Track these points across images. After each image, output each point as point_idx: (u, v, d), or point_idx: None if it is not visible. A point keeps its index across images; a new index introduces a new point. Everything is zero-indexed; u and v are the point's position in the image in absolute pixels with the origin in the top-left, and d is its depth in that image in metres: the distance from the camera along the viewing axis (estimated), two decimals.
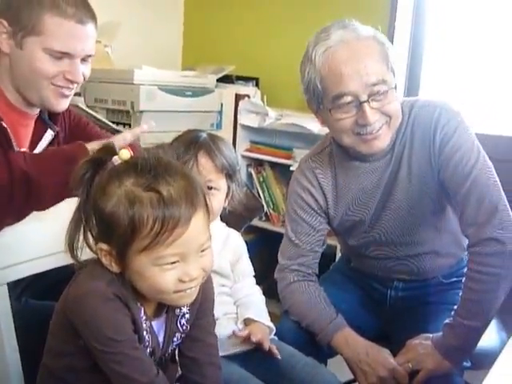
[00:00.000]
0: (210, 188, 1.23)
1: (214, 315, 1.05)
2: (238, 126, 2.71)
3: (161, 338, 0.95)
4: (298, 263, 1.39)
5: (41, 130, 1.38)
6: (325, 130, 2.29)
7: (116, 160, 0.86)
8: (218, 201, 1.27)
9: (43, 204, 1.12)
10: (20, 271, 1.09)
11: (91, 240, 0.88)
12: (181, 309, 0.97)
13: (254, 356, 1.23)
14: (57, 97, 1.31)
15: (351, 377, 1.43)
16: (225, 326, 1.25)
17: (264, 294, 1.42)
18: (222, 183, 1.27)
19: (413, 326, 1.36)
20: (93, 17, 1.30)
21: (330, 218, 1.40)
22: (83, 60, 1.31)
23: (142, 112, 2.32)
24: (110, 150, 0.87)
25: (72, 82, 1.30)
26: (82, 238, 0.88)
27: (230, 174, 1.29)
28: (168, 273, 0.83)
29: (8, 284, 1.07)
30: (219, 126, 2.74)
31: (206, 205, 0.87)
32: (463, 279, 1.43)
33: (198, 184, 0.87)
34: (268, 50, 2.92)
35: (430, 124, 1.26)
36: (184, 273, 0.83)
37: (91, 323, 0.83)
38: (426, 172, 1.28)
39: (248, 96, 2.73)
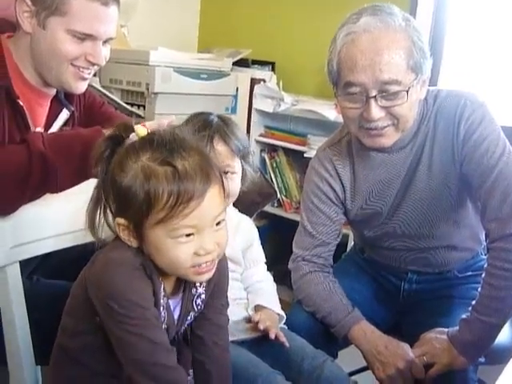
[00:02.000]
0: (226, 172, 1.22)
1: (227, 297, 1.05)
2: (253, 111, 2.68)
3: (176, 316, 0.96)
4: (313, 254, 1.37)
5: (56, 109, 1.37)
6: (340, 118, 2.30)
7: (133, 137, 0.87)
8: (236, 184, 1.27)
9: (58, 186, 1.11)
10: (32, 250, 1.09)
11: (110, 217, 0.89)
12: (197, 288, 0.97)
13: (262, 344, 1.22)
14: (76, 79, 1.30)
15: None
16: (234, 311, 1.23)
17: (275, 280, 1.41)
18: (237, 166, 1.27)
19: (426, 319, 1.35)
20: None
21: (346, 208, 1.38)
22: (104, 42, 1.30)
23: (156, 94, 2.30)
24: (128, 128, 0.88)
25: (93, 64, 1.29)
26: (101, 216, 0.90)
27: (244, 156, 1.29)
28: (184, 246, 0.84)
29: (20, 262, 1.07)
30: (234, 110, 2.71)
31: (222, 180, 0.88)
32: (479, 273, 1.42)
33: (213, 159, 0.88)
34: (285, 35, 2.88)
35: (455, 115, 1.22)
36: (199, 246, 0.85)
37: (116, 287, 0.84)
38: (447, 164, 1.25)
39: (264, 80, 2.70)
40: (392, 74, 1.13)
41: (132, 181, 0.83)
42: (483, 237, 1.42)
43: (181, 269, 0.87)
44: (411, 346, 1.27)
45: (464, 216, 1.34)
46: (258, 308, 1.27)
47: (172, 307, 0.94)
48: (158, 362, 0.85)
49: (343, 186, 1.36)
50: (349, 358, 1.49)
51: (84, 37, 1.25)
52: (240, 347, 1.17)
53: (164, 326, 0.91)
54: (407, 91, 1.15)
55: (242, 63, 2.77)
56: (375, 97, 1.15)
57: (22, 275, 1.08)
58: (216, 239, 0.87)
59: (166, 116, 2.33)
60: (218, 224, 0.87)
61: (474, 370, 1.23)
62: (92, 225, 0.89)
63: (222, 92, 2.62)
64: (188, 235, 0.84)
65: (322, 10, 2.72)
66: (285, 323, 1.32)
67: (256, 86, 2.65)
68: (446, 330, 1.25)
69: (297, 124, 2.63)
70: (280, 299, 1.35)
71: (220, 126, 1.26)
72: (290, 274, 1.43)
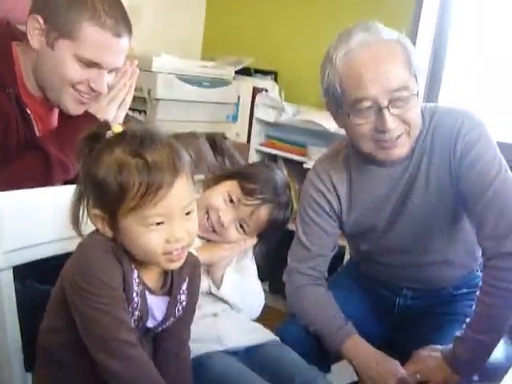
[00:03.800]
0: (241, 226, 1.30)
1: (194, 312, 1.07)
2: (254, 120, 2.68)
3: (159, 317, 0.98)
4: (308, 266, 1.37)
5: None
6: (341, 130, 2.32)
7: (109, 134, 0.92)
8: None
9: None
10: (26, 256, 1.09)
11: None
12: (181, 296, 1.01)
13: (254, 355, 1.22)
14: (75, 102, 1.31)
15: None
16: (223, 321, 1.25)
17: (269, 290, 1.41)
18: None
19: (420, 335, 1.34)
20: (129, 31, 1.30)
21: (342, 221, 1.37)
22: (110, 71, 1.30)
23: (158, 100, 2.32)
24: (105, 126, 0.94)
25: (94, 90, 1.29)
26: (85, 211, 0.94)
27: None
28: (155, 233, 0.88)
29: (13, 268, 1.06)
30: (235, 118, 2.72)
31: (190, 172, 0.92)
32: (473, 291, 1.41)
33: (183, 151, 0.92)
34: (288, 44, 2.88)
35: (452, 132, 1.22)
36: (170, 234, 0.89)
37: (86, 265, 0.89)
38: (444, 181, 1.25)
39: (266, 90, 2.70)
40: (400, 81, 1.15)
41: (106, 172, 0.87)
42: (479, 254, 1.41)
43: (153, 256, 0.91)
44: (404, 362, 1.26)
45: (460, 232, 1.34)
46: None
47: (154, 303, 0.97)
48: (120, 338, 0.88)
49: (339, 199, 1.35)
50: (342, 372, 1.49)
51: (91, 64, 1.26)
52: (232, 357, 1.17)
53: (137, 312, 0.94)
54: (415, 95, 1.17)
55: (244, 72, 2.78)
56: (387, 106, 1.15)
57: (14, 280, 1.07)
58: (186, 228, 0.91)
59: (166, 122, 2.36)
60: (187, 214, 0.91)
61: None
62: (75, 220, 0.94)
63: (224, 100, 2.63)
64: (158, 223, 0.88)
65: (324, 20, 2.72)
66: (279, 336, 1.31)
67: (258, 95, 2.65)
68: (439, 347, 1.25)
69: (297, 134, 2.62)
70: (274, 308, 1.35)
71: (283, 194, 1.34)
72: (284, 284, 1.42)
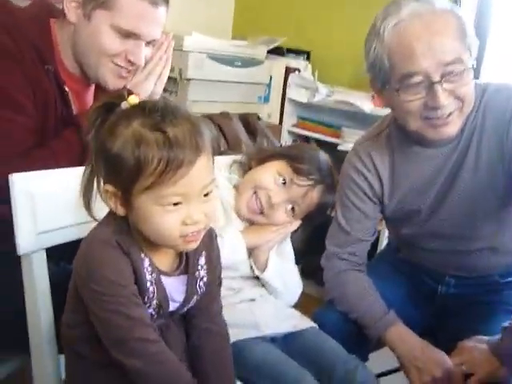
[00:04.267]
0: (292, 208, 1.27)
1: (221, 280, 1.04)
2: (286, 101, 2.62)
3: (181, 297, 0.95)
4: (347, 252, 1.32)
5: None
6: (377, 111, 2.25)
7: (125, 105, 0.86)
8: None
9: None
10: (58, 237, 1.06)
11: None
12: (199, 271, 0.97)
13: (293, 343, 1.19)
14: (114, 76, 1.28)
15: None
16: (263, 307, 1.21)
17: (303, 274, 1.37)
18: None
19: (464, 325, 1.28)
20: (166, 1, 1.26)
21: (383, 205, 1.31)
22: (148, 43, 1.26)
23: (189, 80, 2.27)
24: (120, 96, 0.88)
25: (132, 63, 1.26)
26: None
27: None
28: (171, 214, 0.84)
29: (47, 249, 1.04)
30: (267, 99, 2.67)
31: (212, 151, 0.87)
32: None
33: (205, 129, 0.87)
34: (321, 24, 2.80)
35: (505, 110, 1.15)
36: (187, 216, 0.84)
37: (93, 266, 0.85)
38: (495, 162, 1.18)
39: (298, 70, 2.63)
40: (455, 53, 1.08)
41: (122, 146, 0.82)
42: None
43: (168, 239, 0.86)
44: (447, 352, 1.21)
45: (509, 217, 1.26)
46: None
47: (170, 286, 0.93)
48: (137, 336, 0.85)
49: (381, 182, 1.29)
50: (379, 360, 1.44)
51: (128, 34, 1.23)
52: (270, 344, 1.14)
53: (155, 301, 0.90)
54: (469, 70, 1.10)
55: (276, 51, 2.71)
56: (440, 81, 1.08)
57: (49, 261, 1.06)
58: (204, 209, 0.86)
59: (197, 103, 2.32)
60: (206, 195, 0.86)
61: None
62: (87, 201, 0.89)
63: (256, 80, 2.58)
64: (176, 204, 0.83)
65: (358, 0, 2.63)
66: (316, 322, 1.28)
67: (290, 76, 2.59)
68: (485, 338, 1.18)
69: (331, 115, 2.56)
70: (306, 294, 1.34)
71: (331, 174, 1.34)
72: (318, 268, 1.38)
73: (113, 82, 1.29)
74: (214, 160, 0.88)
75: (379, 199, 1.31)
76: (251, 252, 1.24)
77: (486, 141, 1.18)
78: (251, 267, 1.26)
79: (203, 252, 0.98)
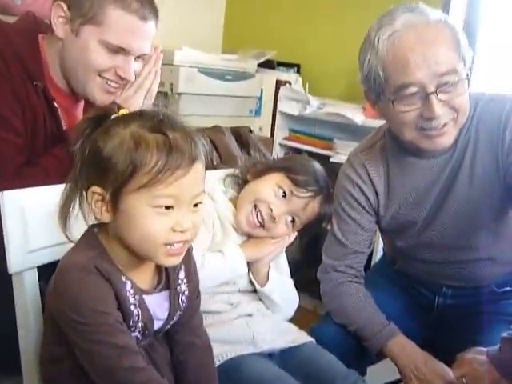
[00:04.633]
0: (293, 220, 1.26)
1: (199, 293, 1.02)
2: (278, 114, 2.62)
3: (164, 314, 0.93)
4: (344, 264, 1.31)
5: None
6: (368, 122, 2.26)
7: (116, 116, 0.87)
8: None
9: None
10: (50, 255, 1.04)
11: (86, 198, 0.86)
12: (181, 286, 0.96)
13: (291, 358, 1.16)
14: (102, 91, 1.27)
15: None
16: (260, 322, 1.20)
17: (297, 287, 1.36)
18: None
19: (461, 336, 1.28)
20: (155, 15, 1.26)
21: (379, 216, 1.31)
22: (137, 57, 1.26)
23: (180, 94, 2.26)
24: (111, 109, 0.88)
25: (122, 78, 1.25)
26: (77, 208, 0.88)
27: None
28: (162, 218, 0.82)
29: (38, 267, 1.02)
30: (258, 112, 2.66)
31: (205, 162, 0.87)
32: None
33: (199, 139, 0.87)
34: (311, 36, 2.81)
35: (499, 120, 1.15)
36: (177, 222, 0.83)
37: (73, 295, 0.82)
38: (490, 172, 1.18)
39: (289, 83, 2.63)
40: (449, 64, 1.08)
41: (118, 145, 0.81)
42: None
43: (153, 245, 0.83)
44: (445, 363, 1.20)
45: (505, 227, 1.26)
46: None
47: (153, 304, 0.91)
48: (126, 365, 0.83)
49: (376, 193, 1.29)
50: (375, 373, 1.43)
51: (117, 50, 1.22)
52: (266, 360, 1.12)
53: (140, 323, 0.88)
54: (464, 80, 1.10)
55: (266, 65, 2.72)
56: (435, 92, 1.08)
57: (40, 279, 1.03)
58: (193, 219, 0.85)
59: (188, 117, 2.31)
60: (195, 206, 0.86)
61: None
62: (64, 218, 0.87)
63: (247, 93, 2.58)
64: (168, 208, 0.82)
65: (348, 11, 2.65)
66: (313, 336, 1.26)
67: (281, 88, 2.59)
68: (484, 349, 1.17)
69: (323, 128, 2.57)
70: (301, 307, 1.32)
71: (328, 187, 1.32)
72: (313, 281, 1.37)
73: (101, 98, 1.28)
74: (205, 173, 0.88)
75: (375, 210, 1.30)
76: (250, 266, 1.23)
77: (480, 151, 1.18)
78: (250, 281, 1.24)
79: (182, 266, 0.97)
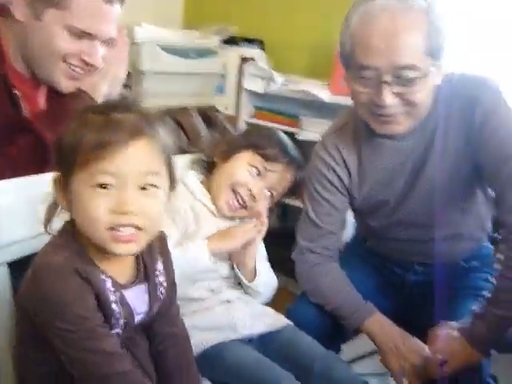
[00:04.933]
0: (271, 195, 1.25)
1: (175, 283, 1.01)
2: (242, 91, 2.58)
3: (144, 308, 0.92)
4: (319, 245, 1.32)
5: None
6: (334, 99, 2.25)
7: None
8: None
9: None
10: (19, 250, 1.00)
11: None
12: (158, 277, 0.95)
13: (270, 341, 1.18)
14: (66, 77, 1.22)
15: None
16: (239, 308, 1.20)
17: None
18: None
19: (433, 311, 1.30)
20: None
21: (352, 196, 1.32)
22: (103, 42, 1.20)
23: (143, 73, 2.19)
24: None
25: (88, 64, 1.20)
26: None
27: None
28: (100, 198, 0.79)
29: (9, 263, 0.98)
30: (222, 89, 2.62)
31: (163, 146, 0.85)
32: (484, 263, 1.39)
33: (158, 122, 0.86)
34: (274, 11, 2.75)
35: (470, 99, 1.16)
36: (116, 202, 0.79)
37: (55, 302, 0.79)
38: (461, 150, 1.19)
39: (253, 59, 2.59)
40: (409, 59, 1.06)
41: (68, 131, 0.82)
42: (488, 225, 1.38)
43: (96, 229, 0.80)
44: (419, 338, 1.23)
45: (472, 204, 1.29)
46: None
47: (132, 298, 0.90)
48: (117, 370, 0.82)
49: (350, 174, 1.29)
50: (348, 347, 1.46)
51: (82, 34, 1.17)
52: (247, 346, 1.13)
53: (122, 320, 0.87)
54: (423, 78, 1.08)
55: (229, 41, 2.66)
56: (389, 82, 1.08)
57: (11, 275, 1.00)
58: (141, 204, 0.81)
59: (152, 96, 2.24)
60: (144, 189, 0.82)
61: (488, 362, 1.20)
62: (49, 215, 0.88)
63: (210, 71, 2.52)
64: (105, 186, 0.79)
65: None
66: (289, 318, 1.27)
67: (245, 65, 2.55)
68: (455, 324, 1.21)
69: (288, 104, 2.54)
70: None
71: (298, 155, 1.33)
72: (283, 259, 1.38)
73: (65, 84, 1.23)
74: (168, 158, 0.86)
75: (348, 191, 1.31)
76: (233, 259, 1.22)
77: (451, 130, 1.19)
78: (232, 268, 1.23)
79: (159, 257, 0.95)
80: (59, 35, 1.15)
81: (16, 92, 1.18)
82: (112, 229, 0.80)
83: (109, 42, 1.23)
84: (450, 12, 2.27)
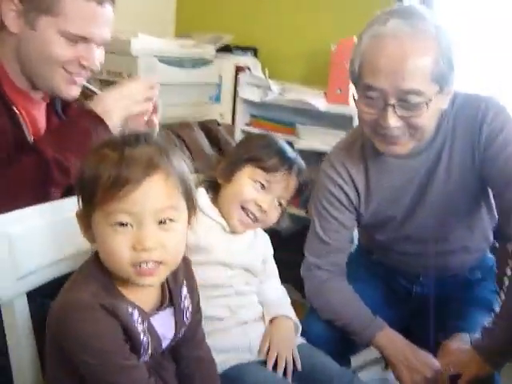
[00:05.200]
0: (280, 204, 1.24)
1: (200, 308, 1.02)
2: (238, 100, 2.58)
3: (171, 333, 0.93)
4: (327, 262, 1.33)
5: (55, 121, 1.29)
6: (330, 108, 2.27)
7: None
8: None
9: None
10: (38, 278, 1.00)
11: None
12: (184, 302, 0.95)
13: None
14: (67, 83, 1.20)
15: None
16: (255, 329, 1.20)
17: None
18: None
19: (439, 322, 1.32)
20: None
21: (359, 214, 1.33)
22: (99, 45, 1.20)
23: None
24: None
25: (86, 68, 1.19)
26: None
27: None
28: (120, 237, 0.80)
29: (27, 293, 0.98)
30: (218, 98, 2.62)
31: (181, 179, 0.85)
32: (488, 274, 1.42)
33: (174, 154, 0.86)
34: (267, 19, 2.75)
35: (476, 118, 1.18)
36: (137, 240, 0.80)
37: (79, 336, 0.81)
38: (467, 167, 1.22)
39: (248, 68, 2.59)
40: (414, 84, 1.08)
41: (87, 166, 0.83)
42: (491, 236, 1.40)
43: (119, 265, 0.82)
44: (424, 350, 1.25)
45: (478, 219, 1.32)
46: (274, 319, 1.23)
47: (159, 323, 0.90)
48: None
49: (357, 192, 1.31)
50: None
51: (78, 39, 1.16)
52: (265, 368, 1.13)
53: (150, 351, 0.88)
54: (427, 103, 1.10)
55: (223, 49, 2.66)
56: (393, 105, 1.10)
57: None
58: (160, 239, 0.82)
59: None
60: (162, 223, 0.83)
61: (498, 373, 1.22)
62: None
63: (206, 80, 2.52)
64: (124, 225, 0.80)
65: None
66: (302, 334, 1.27)
67: (241, 75, 2.54)
68: (466, 337, 1.23)
69: (284, 113, 2.54)
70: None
71: (300, 160, 1.28)
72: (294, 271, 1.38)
73: (67, 91, 1.22)
74: (186, 187, 0.86)
75: (355, 208, 1.32)
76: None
77: (457, 148, 1.22)
78: (246, 283, 1.25)
79: (184, 281, 0.96)
80: (55, 42, 1.14)
81: (16, 111, 1.16)
82: (135, 264, 0.81)
83: (103, 44, 1.22)
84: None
